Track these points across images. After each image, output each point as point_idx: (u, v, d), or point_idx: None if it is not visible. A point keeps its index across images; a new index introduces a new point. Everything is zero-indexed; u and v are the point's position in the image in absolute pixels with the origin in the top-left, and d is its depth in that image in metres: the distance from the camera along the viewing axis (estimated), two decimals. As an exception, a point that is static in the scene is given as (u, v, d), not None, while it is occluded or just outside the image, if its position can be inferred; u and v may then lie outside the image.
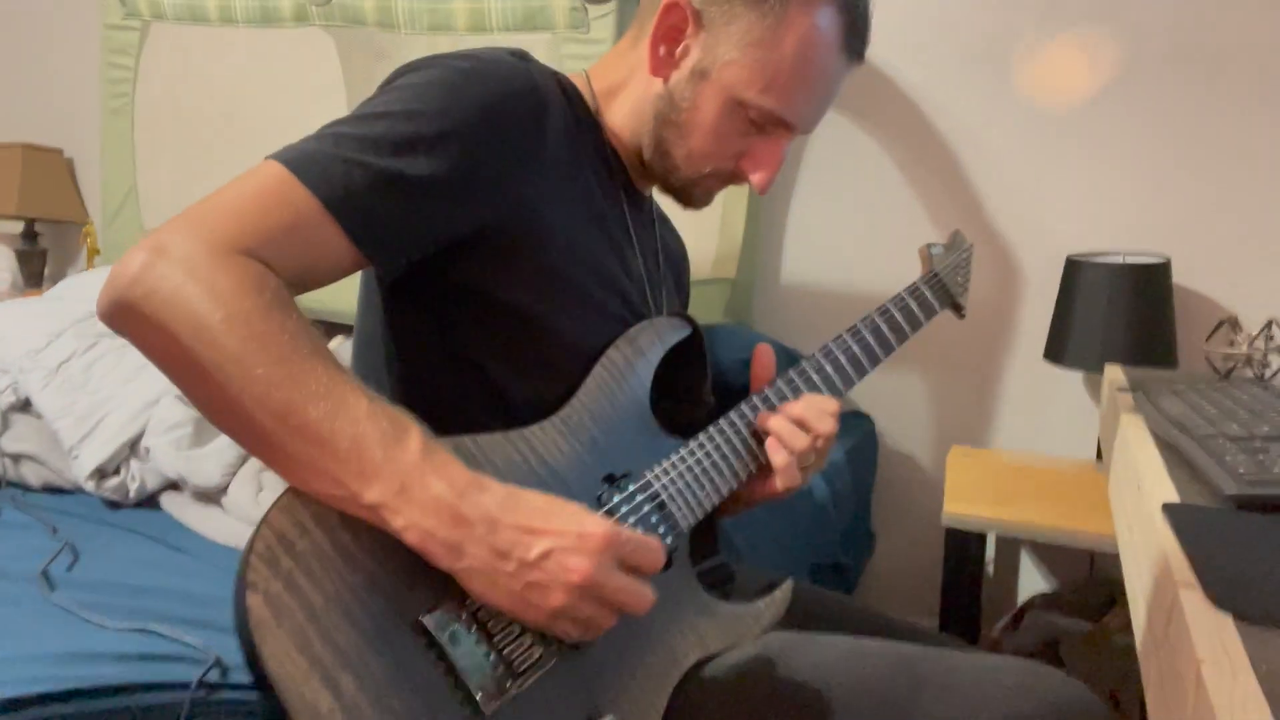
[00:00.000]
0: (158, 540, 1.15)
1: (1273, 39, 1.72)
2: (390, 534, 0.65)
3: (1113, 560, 1.90)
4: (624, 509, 0.79)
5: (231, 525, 1.16)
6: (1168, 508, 0.63)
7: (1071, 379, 1.93)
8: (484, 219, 0.78)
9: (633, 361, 0.87)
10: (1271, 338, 1.27)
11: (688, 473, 0.85)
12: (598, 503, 0.79)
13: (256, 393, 0.62)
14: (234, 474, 1.22)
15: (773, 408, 0.90)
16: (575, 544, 0.65)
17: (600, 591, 0.67)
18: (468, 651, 0.67)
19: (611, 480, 0.81)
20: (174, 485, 1.27)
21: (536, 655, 0.70)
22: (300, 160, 0.70)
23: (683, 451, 0.86)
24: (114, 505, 1.35)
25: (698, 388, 0.97)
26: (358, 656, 0.63)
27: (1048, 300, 1.85)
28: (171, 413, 1.27)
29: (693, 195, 0.93)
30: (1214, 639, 0.43)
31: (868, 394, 2.08)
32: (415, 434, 0.66)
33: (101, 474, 1.33)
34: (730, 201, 2.03)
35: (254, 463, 1.24)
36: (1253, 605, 0.46)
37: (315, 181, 0.69)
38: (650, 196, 1.00)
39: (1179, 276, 1.76)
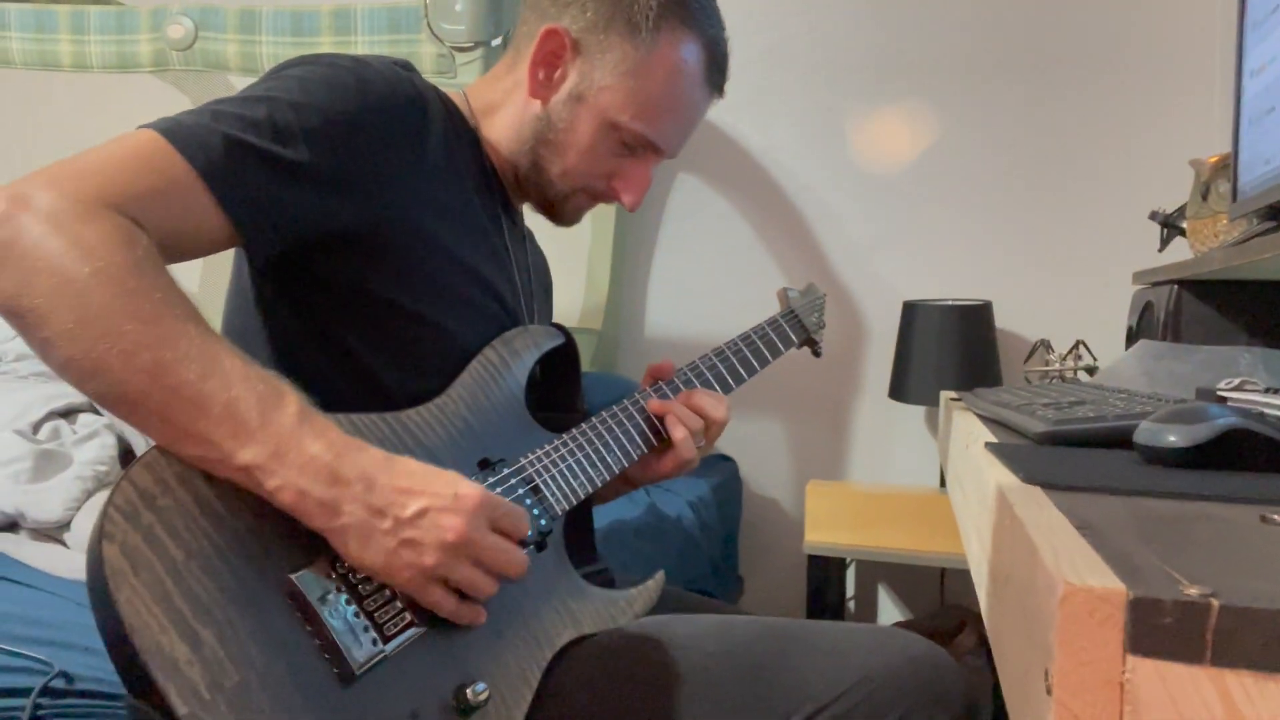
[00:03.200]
0: (-8, 575, 1.07)
1: (1064, 113, 1.97)
2: (260, 496, 0.65)
3: (961, 581, 2.01)
4: (498, 490, 0.81)
5: (77, 559, 1.09)
6: (989, 445, 0.71)
7: (913, 414, 2.07)
8: (358, 216, 0.79)
9: (508, 361, 0.90)
10: (1080, 356, 1.42)
11: (561, 461, 0.88)
12: None
13: (125, 349, 0.61)
14: (78, 508, 1.15)
15: (664, 398, 0.98)
16: (450, 504, 0.67)
17: (474, 550, 0.68)
18: (337, 612, 0.66)
19: (486, 465, 0.83)
20: (10, 525, 1.18)
21: (406, 620, 0.69)
22: (177, 129, 0.70)
23: (556, 442, 0.89)
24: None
25: (572, 396, 1.01)
26: (220, 612, 0.61)
27: (889, 345, 2.00)
28: (9, 448, 1.19)
29: (564, 211, 0.97)
30: (1026, 499, 0.50)
31: (729, 438, 2.16)
32: (292, 398, 0.66)
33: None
34: (595, 257, 2.11)
35: (100, 496, 1.17)
36: (1055, 479, 0.54)
37: (192, 151, 0.69)
38: (522, 213, 1.04)
39: (999, 314, 1.95)
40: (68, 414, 1.31)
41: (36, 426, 1.26)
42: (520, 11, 0.97)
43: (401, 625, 0.69)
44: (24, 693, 0.78)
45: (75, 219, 0.62)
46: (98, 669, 0.84)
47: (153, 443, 0.66)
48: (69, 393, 1.35)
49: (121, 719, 0.82)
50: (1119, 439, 0.67)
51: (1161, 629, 0.30)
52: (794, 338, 1.15)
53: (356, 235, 0.80)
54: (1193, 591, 0.30)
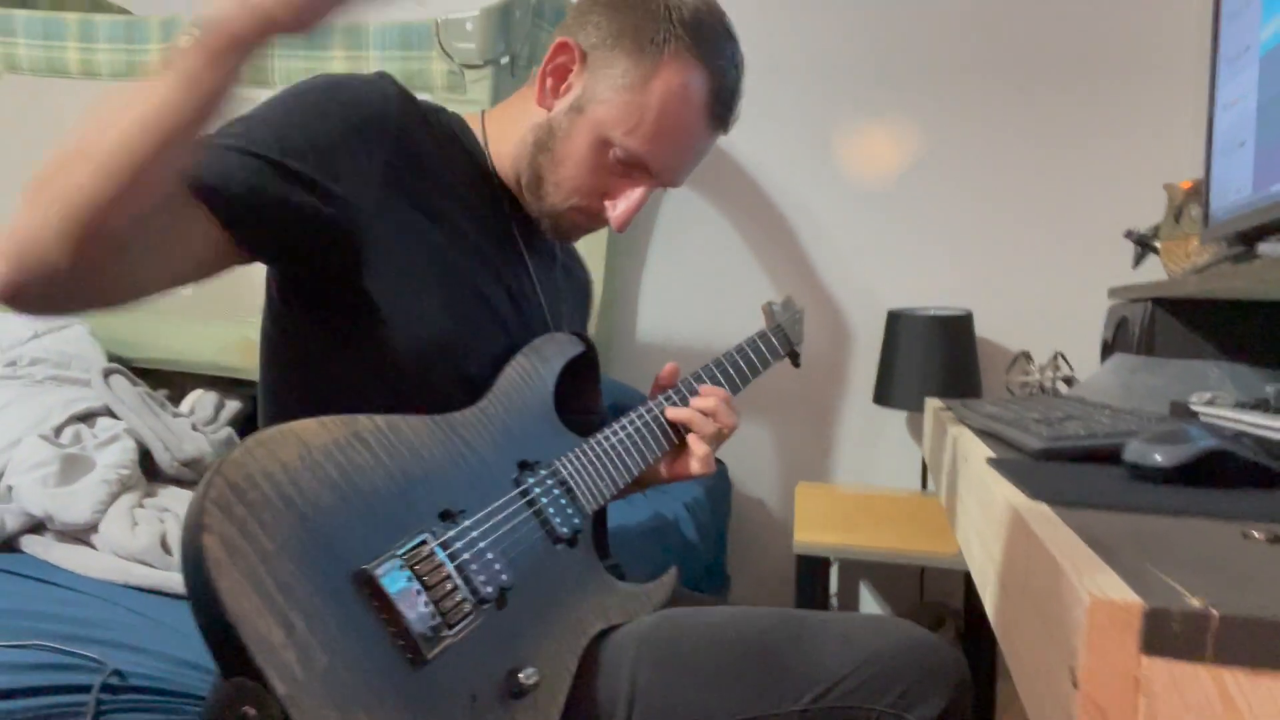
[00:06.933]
0: (27, 577, 1.09)
1: (1044, 132, 2.06)
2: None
3: (939, 580, 2.09)
4: (537, 490, 0.87)
5: (105, 560, 1.12)
6: (991, 461, 0.78)
7: (896, 419, 2.15)
8: (338, 215, 0.81)
9: (538, 367, 0.96)
10: (1059, 366, 1.50)
11: (590, 464, 0.94)
12: (515, 484, 0.86)
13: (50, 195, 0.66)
14: (104, 511, 1.18)
15: (674, 404, 1.05)
16: None
17: None
18: (409, 602, 0.71)
19: (525, 465, 0.89)
20: (35, 527, 1.21)
21: (467, 609, 0.75)
22: None
23: (585, 446, 0.95)
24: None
25: (593, 400, 1.07)
26: (307, 600, 0.66)
27: (874, 352, 2.07)
28: (36, 452, 1.21)
29: (559, 226, 0.99)
30: (1038, 516, 0.56)
31: (719, 441, 2.23)
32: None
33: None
34: (588, 264, 2.16)
35: (127, 498, 1.21)
36: (1059, 495, 0.60)
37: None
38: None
39: (980, 323, 2.03)
40: (86, 418, 1.34)
41: (59, 431, 1.29)
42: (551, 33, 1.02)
43: (462, 615, 0.74)
44: (82, 689, 0.82)
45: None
46: (145, 665, 0.88)
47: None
48: (87, 396, 1.38)
49: (173, 710, 0.86)
50: (1107, 454, 0.74)
51: (1171, 634, 0.37)
52: (780, 350, 1.22)
53: (341, 236, 0.83)
54: (1196, 603, 0.37)
